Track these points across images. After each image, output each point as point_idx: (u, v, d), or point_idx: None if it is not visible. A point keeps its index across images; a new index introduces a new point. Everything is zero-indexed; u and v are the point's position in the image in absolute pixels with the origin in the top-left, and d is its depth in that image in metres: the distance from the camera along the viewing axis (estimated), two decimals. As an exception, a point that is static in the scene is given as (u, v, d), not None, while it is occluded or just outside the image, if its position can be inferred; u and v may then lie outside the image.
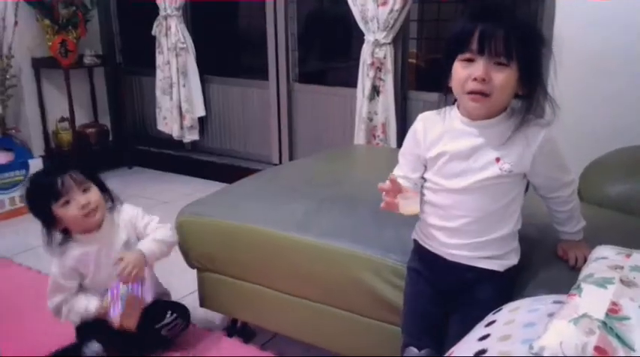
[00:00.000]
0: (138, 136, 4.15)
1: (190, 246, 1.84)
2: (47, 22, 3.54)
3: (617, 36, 2.28)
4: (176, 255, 1.87)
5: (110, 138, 4.11)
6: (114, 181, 3.71)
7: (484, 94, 1.12)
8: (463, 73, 1.13)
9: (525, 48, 1.10)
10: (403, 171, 1.31)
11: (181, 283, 2.06)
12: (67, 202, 1.65)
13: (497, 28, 1.08)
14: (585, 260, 1.13)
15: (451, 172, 1.21)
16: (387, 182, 1.16)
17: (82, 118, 3.93)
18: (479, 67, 1.10)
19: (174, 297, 1.95)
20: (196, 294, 1.95)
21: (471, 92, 1.13)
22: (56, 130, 3.80)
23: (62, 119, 3.78)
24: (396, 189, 1.16)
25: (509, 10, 1.14)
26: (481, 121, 1.19)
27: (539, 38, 1.14)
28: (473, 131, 1.19)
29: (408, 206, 1.16)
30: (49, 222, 1.69)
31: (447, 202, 1.23)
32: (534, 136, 1.16)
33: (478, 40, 1.09)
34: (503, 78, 1.10)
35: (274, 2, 3.29)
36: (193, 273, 1.93)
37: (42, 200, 1.66)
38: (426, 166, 1.28)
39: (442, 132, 1.23)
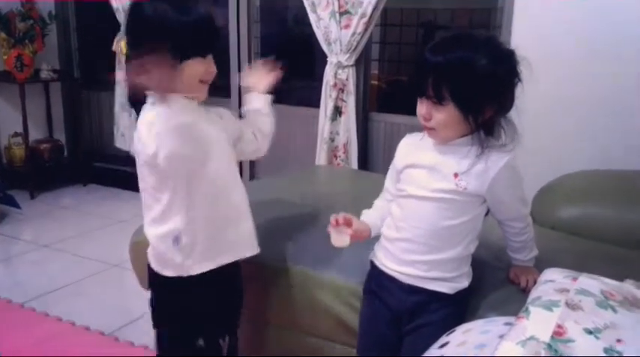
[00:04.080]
0: (94, 152, 4.06)
1: (145, 267, 1.79)
2: (3, 35, 3.47)
3: (573, 62, 2.36)
4: (129, 275, 1.82)
5: (65, 154, 4.01)
6: (67, 198, 3.69)
7: (431, 128, 1.22)
8: (417, 108, 1.24)
9: (460, 89, 1.15)
10: (386, 185, 1.41)
11: (135, 304, 2.01)
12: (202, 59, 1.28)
13: (429, 73, 1.16)
14: (535, 283, 1.15)
15: (414, 180, 1.27)
16: (340, 216, 1.29)
17: (36, 133, 3.84)
18: (421, 107, 1.21)
19: (129, 318, 1.89)
20: (149, 315, 1.90)
21: (423, 126, 1.24)
22: (8, 145, 3.70)
23: (15, 134, 3.68)
24: (347, 222, 1.29)
25: (450, 51, 1.16)
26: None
27: (481, 74, 1.15)
28: (439, 148, 1.25)
29: (337, 240, 1.30)
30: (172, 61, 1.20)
31: (405, 210, 1.28)
32: (495, 163, 1.19)
33: (417, 84, 1.20)
34: (441, 117, 1.19)
35: (237, 22, 3.30)
36: (147, 294, 1.88)
37: (200, 41, 1.26)
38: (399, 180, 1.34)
39: (417, 147, 1.30)
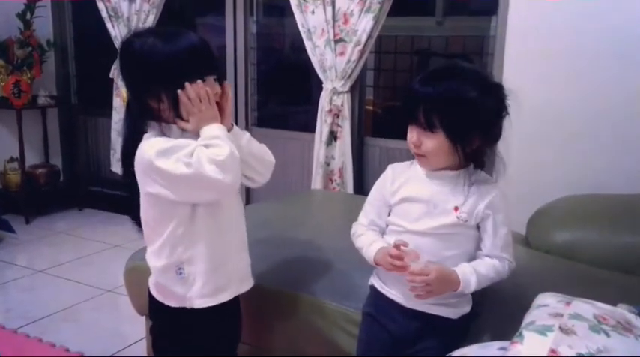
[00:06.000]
0: (91, 177, 4.07)
1: (140, 292, 1.78)
2: (1, 62, 3.50)
3: (562, 88, 2.40)
4: (124, 301, 1.82)
5: (61, 179, 4.01)
6: (63, 223, 3.68)
7: (421, 156, 1.24)
8: (408, 135, 1.26)
9: (450, 118, 1.18)
10: (369, 217, 1.36)
11: (130, 329, 2.00)
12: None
13: (421, 102, 1.19)
14: (425, 286, 1.16)
15: (413, 216, 1.26)
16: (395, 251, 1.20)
17: (32, 158, 3.84)
18: (412, 134, 1.24)
19: (124, 344, 1.88)
20: (144, 341, 1.89)
21: (414, 153, 1.26)
22: (4, 170, 3.70)
23: (11, 160, 3.69)
24: (402, 254, 1.20)
25: (441, 82, 1.19)
26: (440, 172, 1.25)
27: (471, 105, 1.17)
28: (434, 181, 1.26)
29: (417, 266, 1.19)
30: (166, 96, 1.24)
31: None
32: (487, 193, 1.23)
33: (408, 113, 1.23)
34: (431, 144, 1.21)
35: (234, 48, 3.35)
36: (142, 319, 1.87)
37: (190, 68, 1.24)
38: (390, 212, 1.33)
39: (407, 179, 1.31)
